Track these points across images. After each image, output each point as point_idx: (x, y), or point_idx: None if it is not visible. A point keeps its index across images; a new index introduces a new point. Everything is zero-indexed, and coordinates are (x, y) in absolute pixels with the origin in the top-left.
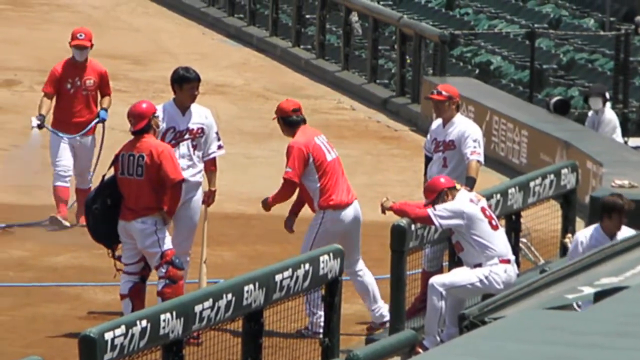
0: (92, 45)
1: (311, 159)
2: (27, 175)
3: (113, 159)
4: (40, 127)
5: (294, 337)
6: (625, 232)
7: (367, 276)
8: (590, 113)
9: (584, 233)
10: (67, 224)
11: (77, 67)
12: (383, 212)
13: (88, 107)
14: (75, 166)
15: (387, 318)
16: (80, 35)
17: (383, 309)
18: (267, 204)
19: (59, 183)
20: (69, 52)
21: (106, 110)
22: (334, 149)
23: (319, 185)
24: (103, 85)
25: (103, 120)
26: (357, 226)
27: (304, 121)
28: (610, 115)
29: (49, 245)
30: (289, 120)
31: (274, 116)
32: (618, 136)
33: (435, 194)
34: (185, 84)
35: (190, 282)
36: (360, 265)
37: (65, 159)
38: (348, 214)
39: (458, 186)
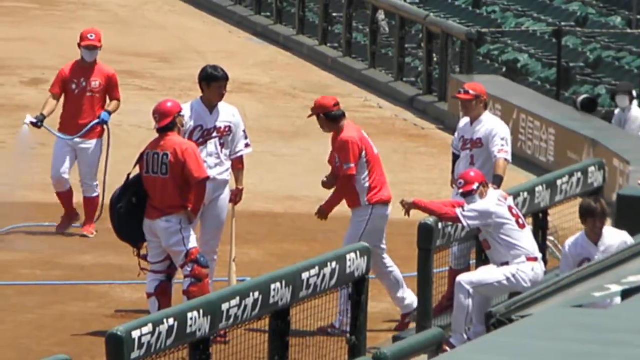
0: (101, 46)
1: (364, 153)
2: (13, 173)
3: (138, 157)
4: (36, 125)
5: (320, 335)
6: (612, 234)
7: (397, 270)
8: (617, 111)
9: (571, 241)
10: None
11: (84, 68)
12: (407, 212)
13: (92, 109)
14: (79, 172)
15: (415, 306)
16: (91, 36)
17: (409, 299)
18: (324, 212)
19: (55, 189)
20: None
21: (110, 113)
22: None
23: (368, 180)
24: (111, 88)
25: (104, 122)
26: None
27: (344, 115)
28: (637, 112)
29: (76, 243)
30: (332, 115)
31: (310, 114)
32: None
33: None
34: (213, 82)
35: (219, 280)
36: (388, 261)
37: (57, 165)
38: (390, 209)
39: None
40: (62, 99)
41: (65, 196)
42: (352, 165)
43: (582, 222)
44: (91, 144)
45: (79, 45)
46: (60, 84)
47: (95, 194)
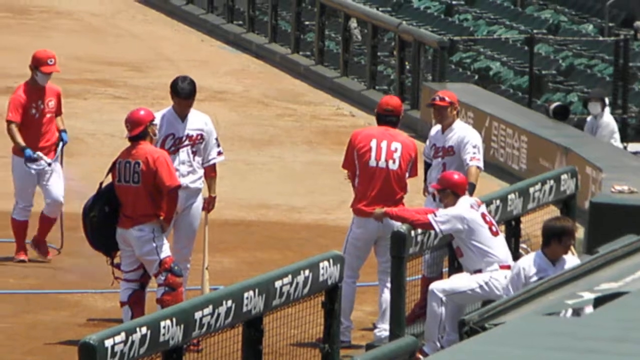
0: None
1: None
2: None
3: (110, 166)
4: (35, 159)
5: (294, 344)
6: (569, 258)
7: (387, 293)
8: (589, 118)
9: (526, 261)
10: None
11: (38, 90)
12: (376, 220)
13: (52, 130)
14: (47, 195)
15: (385, 341)
16: (51, 61)
17: (385, 332)
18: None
19: (21, 218)
20: (68, 60)
21: (65, 131)
22: None
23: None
24: (60, 106)
25: (65, 143)
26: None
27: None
28: (608, 119)
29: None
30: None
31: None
32: (617, 141)
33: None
34: (179, 98)
35: (192, 289)
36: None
37: (31, 191)
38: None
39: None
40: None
41: (25, 225)
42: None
43: (553, 242)
44: (57, 164)
45: (35, 69)
46: (21, 111)
47: (57, 216)
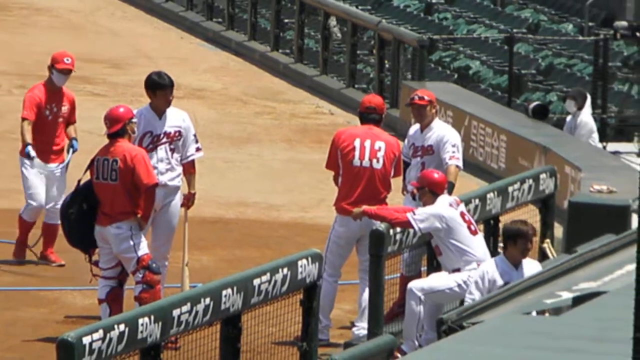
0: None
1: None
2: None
3: (89, 163)
4: (31, 158)
5: (272, 342)
6: (529, 263)
7: (367, 292)
8: (568, 117)
9: (489, 265)
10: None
11: (55, 93)
12: (354, 219)
13: (61, 135)
14: (48, 200)
15: (363, 339)
16: (67, 60)
17: (364, 330)
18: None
19: (31, 219)
20: (47, 56)
21: (76, 140)
22: None
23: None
24: (73, 113)
25: (75, 151)
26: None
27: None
28: (586, 119)
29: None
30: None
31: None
32: (595, 140)
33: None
34: (158, 90)
35: (170, 286)
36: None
37: (42, 191)
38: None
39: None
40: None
41: (31, 226)
42: None
43: (509, 245)
44: (62, 168)
45: (52, 68)
46: (36, 110)
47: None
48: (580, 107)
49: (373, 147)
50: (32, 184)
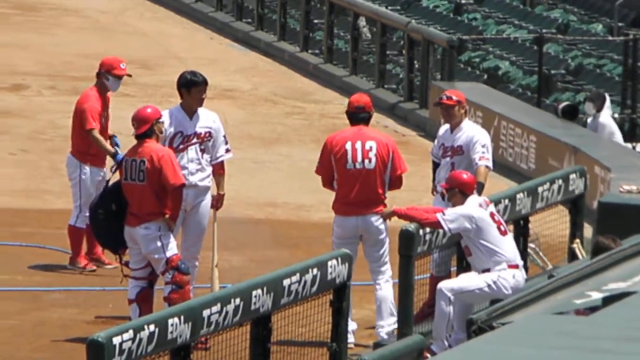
0: None
1: None
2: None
3: (117, 164)
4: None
5: (302, 342)
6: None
7: (380, 290)
8: (589, 119)
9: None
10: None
11: (105, 98)
12: (384, 219)
13: (106, 138)
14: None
15: (385, 339)
16: (123, 65)
17: (384, 329)
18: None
19: (84, 226)
20: (76, 57)
21: (115, 136)
22: None
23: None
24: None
25: (119, 146)
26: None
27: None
28: (605, 120)
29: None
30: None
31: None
32: (618, 141)
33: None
34: (193, 87)
35: (200, 287)
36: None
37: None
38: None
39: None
40: (80, 130)
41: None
42: None
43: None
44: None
45: (107, 74)
46: (98, 119)
47: None
48: (599, 109)
49: (364, 147)
50: (90, 192)
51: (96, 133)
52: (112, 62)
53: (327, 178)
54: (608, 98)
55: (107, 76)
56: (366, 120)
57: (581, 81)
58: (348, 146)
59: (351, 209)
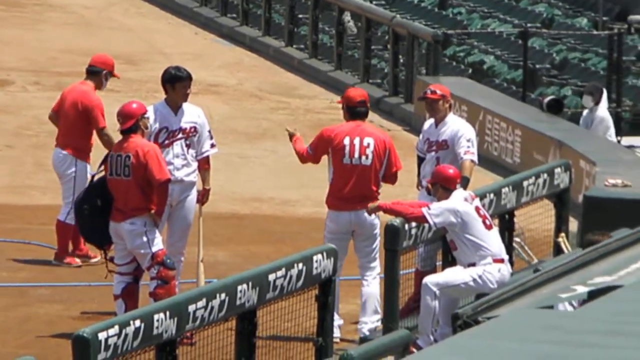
0: None
1: None
2: None
3: (102, 159)
4: None
5: (288, 337)
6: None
7: (366, 286)
8: (585, 112)
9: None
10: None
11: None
12: (369, 214)
13: None
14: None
15: (367, 335)
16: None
17: (366, 326)
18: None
19: (72, 222)
20: (61, 53)
21: None
22: None
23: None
24: None
25: None
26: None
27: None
28: (602, 113)
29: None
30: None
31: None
32: (611, 135)
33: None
34: (177, 83)
35: (185, 282)
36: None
37: None
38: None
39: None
40: (83, 128)
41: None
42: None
43: None
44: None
45: (108, 74)
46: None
47: None
48: (597, 102)
49: (362, 143)
50: (80, 187)
51: (108, 131)
52: (113, 62)
53: (314, 162)
54: (605, 91)
55: (108, 76)
56: (365, 115)
57: (566, 75)
58: (346, 141)
59: (345, 204)
